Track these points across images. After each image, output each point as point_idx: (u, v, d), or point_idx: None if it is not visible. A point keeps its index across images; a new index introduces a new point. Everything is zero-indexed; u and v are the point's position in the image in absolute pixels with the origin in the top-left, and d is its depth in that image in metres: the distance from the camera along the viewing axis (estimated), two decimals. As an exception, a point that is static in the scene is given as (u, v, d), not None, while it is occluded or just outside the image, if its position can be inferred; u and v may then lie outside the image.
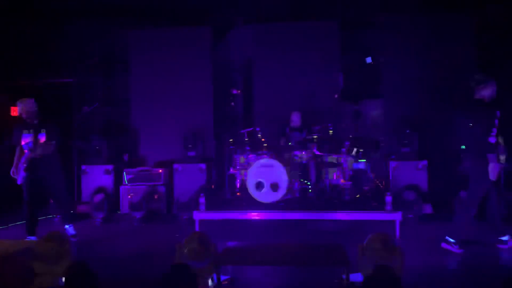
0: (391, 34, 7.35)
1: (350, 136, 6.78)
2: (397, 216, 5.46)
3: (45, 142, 5.31)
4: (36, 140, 5.32)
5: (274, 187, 6.16)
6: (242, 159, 6.91)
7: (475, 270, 4.31)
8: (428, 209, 6.30)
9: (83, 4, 7.55)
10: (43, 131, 5.37)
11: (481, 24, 7.09)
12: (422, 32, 7.24)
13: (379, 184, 7.40)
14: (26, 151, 5.32)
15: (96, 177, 7.35)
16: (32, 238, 5.28)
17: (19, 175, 5.32)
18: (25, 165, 5.27)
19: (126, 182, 7.23)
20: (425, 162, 6.59)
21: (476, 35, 7.10)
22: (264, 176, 6.22)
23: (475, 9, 7.09)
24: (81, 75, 8.16)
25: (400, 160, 6.70)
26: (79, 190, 7.52)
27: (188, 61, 7.89)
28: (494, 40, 7.19)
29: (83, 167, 7.41)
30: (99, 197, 6.87)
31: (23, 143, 5.37)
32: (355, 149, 6.73)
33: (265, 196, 6.22)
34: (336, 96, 7.71)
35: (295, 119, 7.17)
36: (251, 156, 6.76)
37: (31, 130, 5.39)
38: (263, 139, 6.70)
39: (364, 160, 7.02)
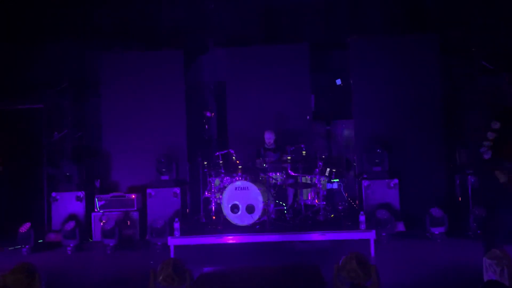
0: (360, 56, 7.57)
1: (323, 156, 6.87)
2: (371, 235, 5.53)
3: None
4: None
5: (250, 209, 6.15)
6: (217, 182, 6.88)
7: (453, 287, 4.36)
8: (400, 227, 6.41)
9: (52, 27, 7.49)
10: None
11: (444, 45, 7.41)
12: (390, 53, 7.48)
13: (353, 203, 7.50)
14: None
15: (67, 204, 7.14)
16: None
17: None
18: None
19: (98, 209, 7.08)
20: (396, 181, 6.72)
21: (440, 56, 7.40)
22: (239, 199, 6.20)
23: (438, 31, 7.42)
24: (51, 99, 8.01)
25: (372, 179, 6.81)
26: (49, 218, 7.29)
27: (160, 84, 7.88)
28: (456, 60, 7.51)
29: (53, 194, 7.21)
30: (70, 225, 6.67)
31: None
32: (328, 169, 6.82)
33: (240, 218, 6.19)
34: (308, 117, 7.83)
35: (268, 136, 7.22)
36: (226, 178, 6.75)
37: None
38: (237, 161, 6.70)
39: (337, 180, 7.12)
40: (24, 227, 6.59)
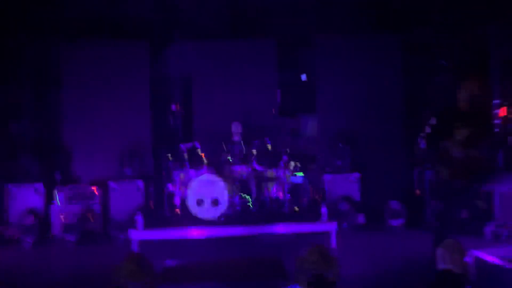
0: (326, 53, 7.73)
1: (288, 150, 6.96)
2: (332, 227, 5.67)
3: None
4: None
5: (215, 203, 6.17)
6: (181, 176, 6.84)
7: (410, 276, 4.53)
8: (361, 219, 6.61)
9: (10, 17, 7.19)
10: None
11: (406, 44, 7.65)
12: (354, 51, 7.68)
13: (316, 197, 7.66)
14: None
15: (24, 197, 6.90)
16: None
17: None
18: None
19: (58, 202, 6.89)
20: (357, 174, 6.91)
21: (402, 54, 7.63)
22: (204, 192, 6.20)
23: (401, 30, 7.65)
24: (9, 90, 7.69)
25: (335, 173, 6.97)
26: (6, 211, 7.02)
27: (124, 75, 7.73)
28: (417, 59, 7.77)
29: (9, 186, 6.94)
30: (28, 219, 6.46)
31: None
32: (292, 163, 6.92)
33: (205, 212, 6.20)
34: (273, 111, 7.90)
35: (236, 127, 7.21)
36: (191, 172, 6.72)
37: None
38: (202, 155, 6.69)
39: (302, 174, 7.24)
40: (-21, 222, 6.35)
